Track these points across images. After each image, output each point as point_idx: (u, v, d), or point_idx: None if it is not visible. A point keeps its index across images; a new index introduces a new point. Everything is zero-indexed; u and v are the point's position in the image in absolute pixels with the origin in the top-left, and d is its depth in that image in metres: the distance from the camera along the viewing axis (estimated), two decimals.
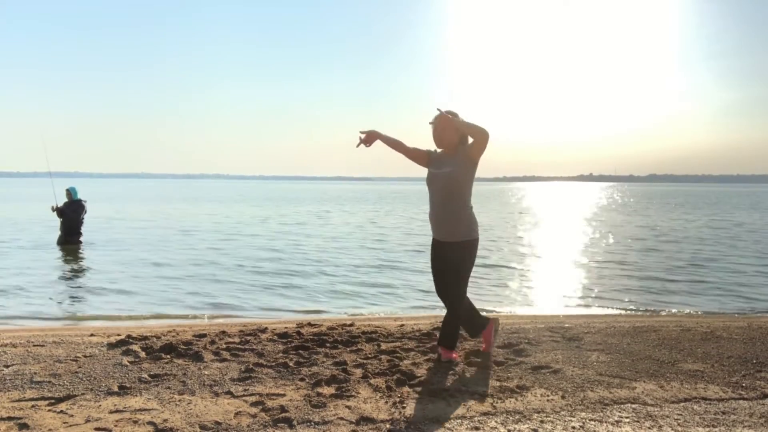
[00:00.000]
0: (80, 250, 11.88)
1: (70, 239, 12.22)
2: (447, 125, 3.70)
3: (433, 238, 3.93)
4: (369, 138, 3.82)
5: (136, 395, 3.24)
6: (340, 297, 7.76)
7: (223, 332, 4.74)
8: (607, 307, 7.22)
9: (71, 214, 12.09)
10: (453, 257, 3.81)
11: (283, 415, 2.95)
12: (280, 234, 16.50)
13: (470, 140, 3.75)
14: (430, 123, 3.79)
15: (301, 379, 3.53)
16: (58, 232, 12.39)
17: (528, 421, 2.95)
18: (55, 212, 12.04)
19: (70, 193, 12.14)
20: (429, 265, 4.03)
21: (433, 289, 4.02)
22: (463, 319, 3.98)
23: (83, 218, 12.41)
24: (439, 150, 3.88)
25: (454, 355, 3.97)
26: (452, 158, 3.76)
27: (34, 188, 64.17)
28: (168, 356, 4.01)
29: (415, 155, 3.88)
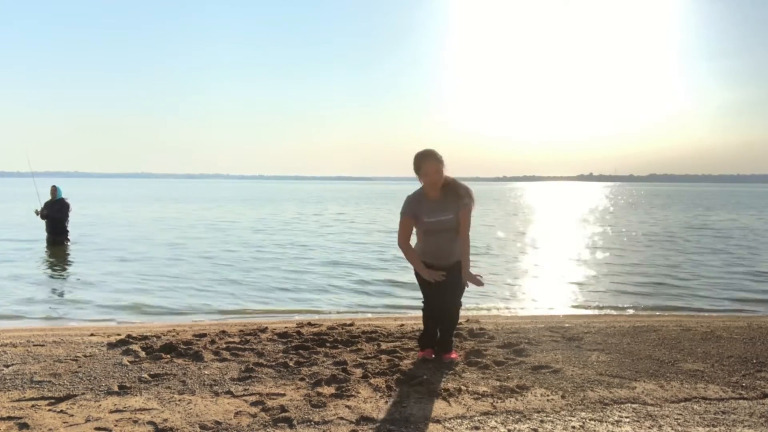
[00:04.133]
0: (67, 251, 11.59)
1: (57, 239, 11.89)
2: (439, 169, 3.70)
3: (435, 265, 3.84)
4: (430, 271, 3.77)
5: (136, 395, 3.24)
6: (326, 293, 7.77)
7: (223, 332, 4.74)
8: (607, 307, 7.22)
9: (55, 214, 11.73)
10: (456, 275, 3.81)
11: (283, 414, 2.95)
12: (275, 234, 16.51)
13: (458, 182, 3.78)
14: (418, 171, 3.74)
15: (301, 379, 3.53)
16: (45, 233, 12.01)
17: (528, 421, 2.95)
18: (38, 216, 11.68)
19: (56, 190, 11.80)
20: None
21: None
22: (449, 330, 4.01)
23: (69, 215, 12.01)
24: (417, 198, 3.81)
25: (453, 355, 3.98)
26: (443, 203, 3.74)
27: (25, 188, 64.08)
28: (168, 356, 4.01)
29: (410, 231, 3.86)
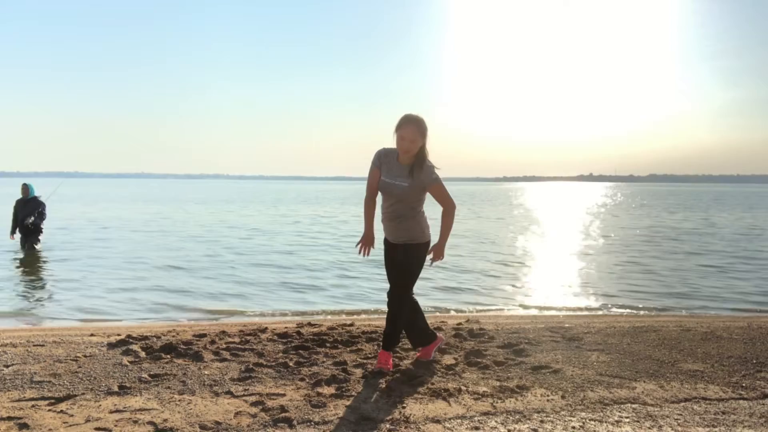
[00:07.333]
0: (38, 254, 10.88)
1: (29, 238, 11.05)
2: (416, 138, 3.55)
3: (387, 240, 3.83)
4: (367, 243, 3.78)
5: (136, 395, 3.24)
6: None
7: (223, 332, 4.74)
8: (607, 307, 7.22)
9: (27, 217, 10.88)
10: (405, 258, 3.73)
11: (283, 415, 2.95)
12: (263, 233, 16.52)
13: (426, 159, 3.64)
14: (396, 132, 3.59)
15: (301, 379, 3.53)
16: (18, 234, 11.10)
17: (528, 421, 2.95)
18: (12, 234, 10.88)
19: (27, 188, 11.04)
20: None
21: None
22: (408, 325, 3.94)
23: (45, 214, 11.16)
24: (388, 154, 3.70)
25: (429, 354, 3.95)
26: (407, 172, 3.61)
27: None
28: (168, 356, 4.01)
29: (376, 186, 3.76)
